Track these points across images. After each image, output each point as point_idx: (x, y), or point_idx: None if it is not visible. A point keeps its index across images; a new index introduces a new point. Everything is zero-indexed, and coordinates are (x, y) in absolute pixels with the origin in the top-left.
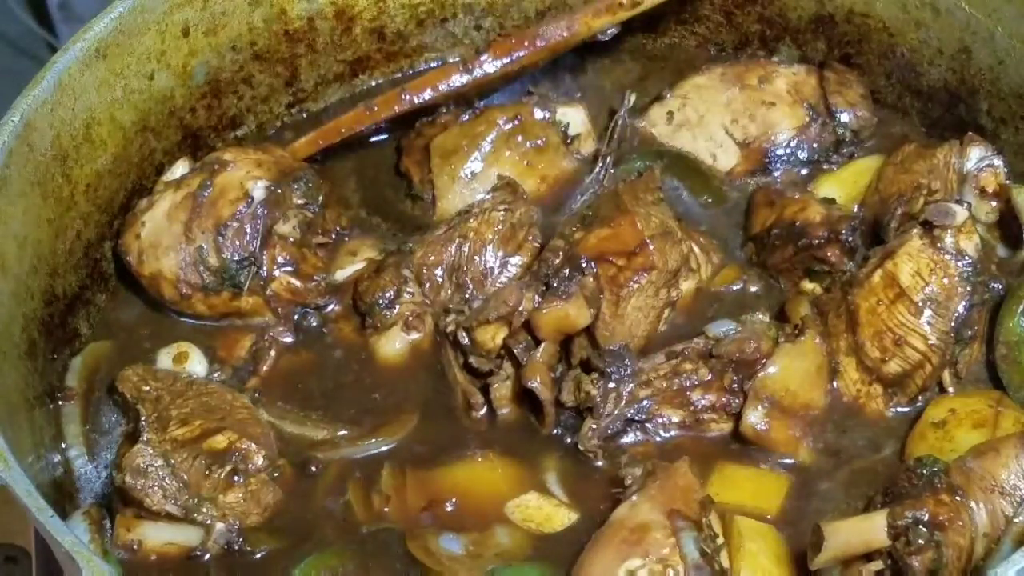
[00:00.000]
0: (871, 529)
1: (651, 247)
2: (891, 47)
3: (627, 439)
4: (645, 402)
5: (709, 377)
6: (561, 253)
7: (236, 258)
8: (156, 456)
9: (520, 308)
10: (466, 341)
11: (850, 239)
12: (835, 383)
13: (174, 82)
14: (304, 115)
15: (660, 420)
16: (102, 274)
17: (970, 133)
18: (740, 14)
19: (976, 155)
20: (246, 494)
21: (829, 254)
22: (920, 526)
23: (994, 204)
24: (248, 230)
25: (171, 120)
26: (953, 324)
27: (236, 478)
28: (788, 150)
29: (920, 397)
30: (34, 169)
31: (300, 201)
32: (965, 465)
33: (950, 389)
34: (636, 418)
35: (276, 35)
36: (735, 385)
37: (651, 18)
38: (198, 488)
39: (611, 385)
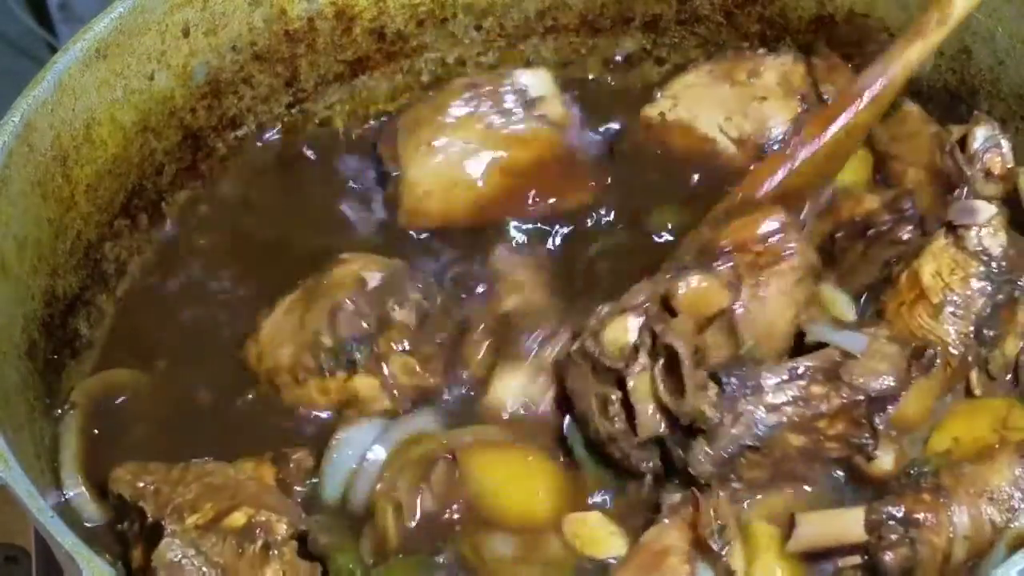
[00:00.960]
0: (845, 522)
1: (795, 233)
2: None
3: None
4: (763, 428)
5: (840, 407)
6: (693, 249)
7: (351, 336)
8: (186, 546)
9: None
10: (594, 348)
11: (912, 210)
12: None
13: (174, 82)
14: (303, 115)
15: (782, 445)
16: (103, 275)
17: (977, 112)
18: (740, 14)
19: (982, 135)
20: (283, 565)
21: (901, 234)
22: (893, 522)
23: (999, 187)
24: (364, 311)
25: (171, 120)
26: (974, 326)
27: (272, 552)
28: (784, 141)
29: (948, 397)
30: (34, 169)
31: (417, 296)
32: (959, 468)
33: (977, 391)
34: (754, 444)
35: (276, 35)
36: (863, 420)
37: (650, 19)
38: (235, 571)
39: (729, 402)
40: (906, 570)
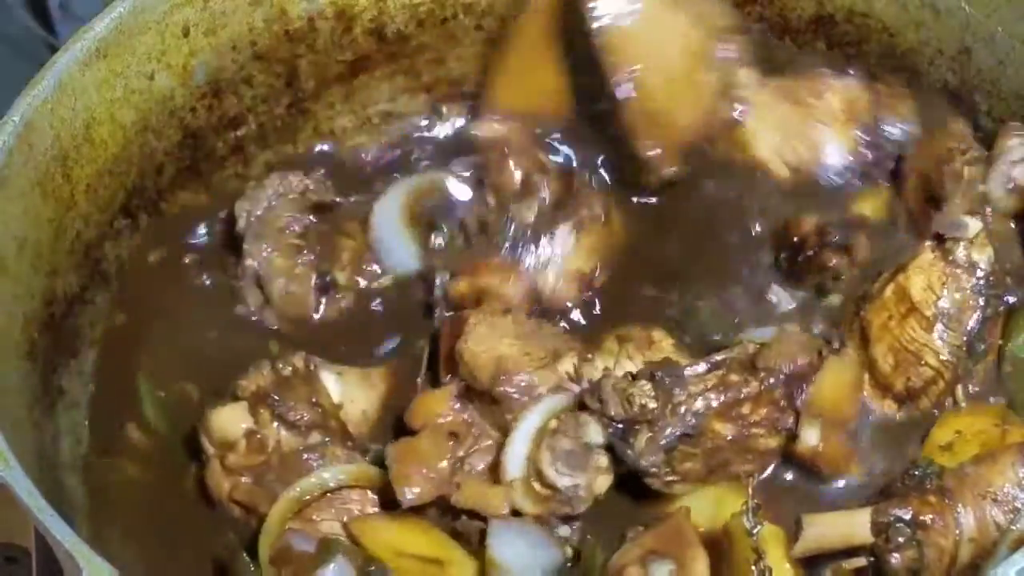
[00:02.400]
0: (852, 524)
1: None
2: (891, 47)
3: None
4: (693, 419)
5: (759, 390)
6: None
7: None
8: None
9: None
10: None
11: (837, 239)
12: None
13: (174, 82)
14: (304, 115)
15: (711, 435)
16: (102, 274)
17: (1011, 123)
18: (739, 14)
19: (1019, 152)
20: None
21: (827, 261)
22: (901, 524)
23: (1019, 201)
24: None
25: (171, 120)
26: (966, 339)
27: None
28: (838, 172)
29: (935, 412)
30: (34, 169)
31: None
32: (962, 470)
33: (963, 404)
34: (689, 433)
35: (276, 35)
36: (783, 401)
37: None
38: None
39: (665, 395)
40: (912, 572)
